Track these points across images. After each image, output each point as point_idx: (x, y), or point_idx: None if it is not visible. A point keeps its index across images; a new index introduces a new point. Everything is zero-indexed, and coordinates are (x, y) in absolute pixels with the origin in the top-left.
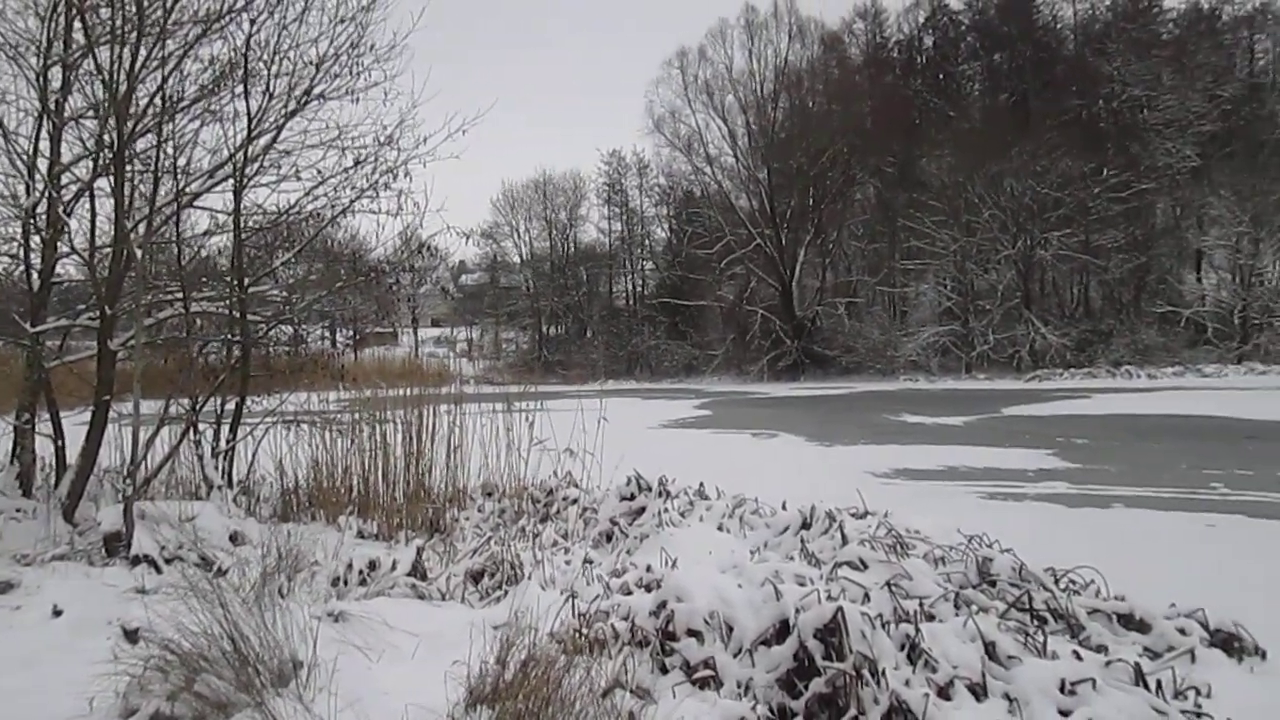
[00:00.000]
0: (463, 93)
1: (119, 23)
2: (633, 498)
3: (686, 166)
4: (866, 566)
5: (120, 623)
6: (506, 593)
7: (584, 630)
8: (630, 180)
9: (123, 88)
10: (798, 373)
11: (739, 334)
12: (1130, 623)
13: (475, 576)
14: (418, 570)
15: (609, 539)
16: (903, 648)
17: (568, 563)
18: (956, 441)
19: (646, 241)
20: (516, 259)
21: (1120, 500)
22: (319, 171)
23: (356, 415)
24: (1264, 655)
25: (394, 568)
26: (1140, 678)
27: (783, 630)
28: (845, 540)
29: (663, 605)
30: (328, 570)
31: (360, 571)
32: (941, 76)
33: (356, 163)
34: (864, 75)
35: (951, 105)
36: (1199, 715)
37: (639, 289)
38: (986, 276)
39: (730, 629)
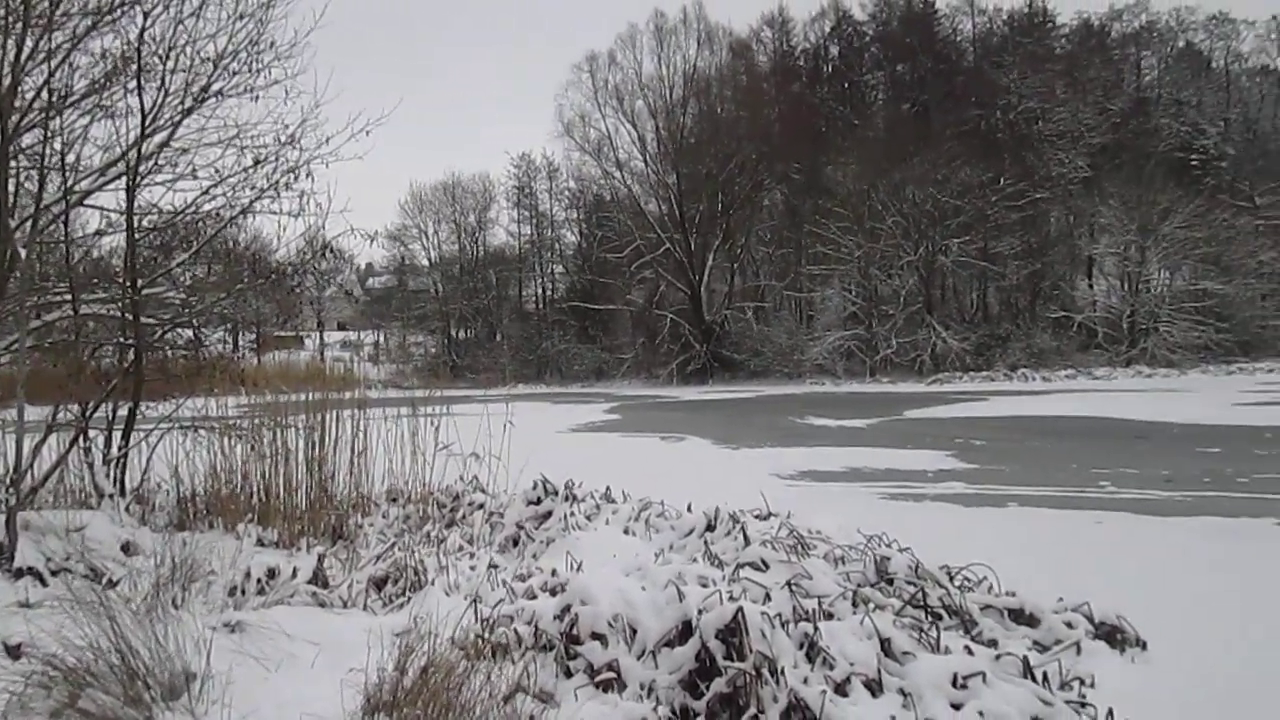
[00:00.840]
0: (369, 93)
1: (2, 13)
2: (539, 502)
3: (596, 171)
4: (768, 567)
5: (1, 639)
6: (410, 599)
7: (487, 635)
8: (540, 184)
9: (6, 81)
10: (706, 376)
11: (648, 338)
12: (1020, 617)
13: (378, 583)
14: (319, 578)
15: (515, 543)
16: (802, 646)
17: (473, 568)
18: (860, 443)
19: (556, 245)
20: (425, 262)
21: (1015, 499)
22: (217, 170)
23: (257, 420)
24: (1144, 646)
25: (294, 575)
26: (1028, 670)
27: (685, 631)
28: (748, 541)
29: (567, 609)
30: (225, 579)
31: (259, 580)
32: (847, 85)
33: (256, 162)
34: (772, 83)
35: (856, 114)
36: (1083, 705)
37: (549, 293)
38: (890, 282)
39: (634, 631)
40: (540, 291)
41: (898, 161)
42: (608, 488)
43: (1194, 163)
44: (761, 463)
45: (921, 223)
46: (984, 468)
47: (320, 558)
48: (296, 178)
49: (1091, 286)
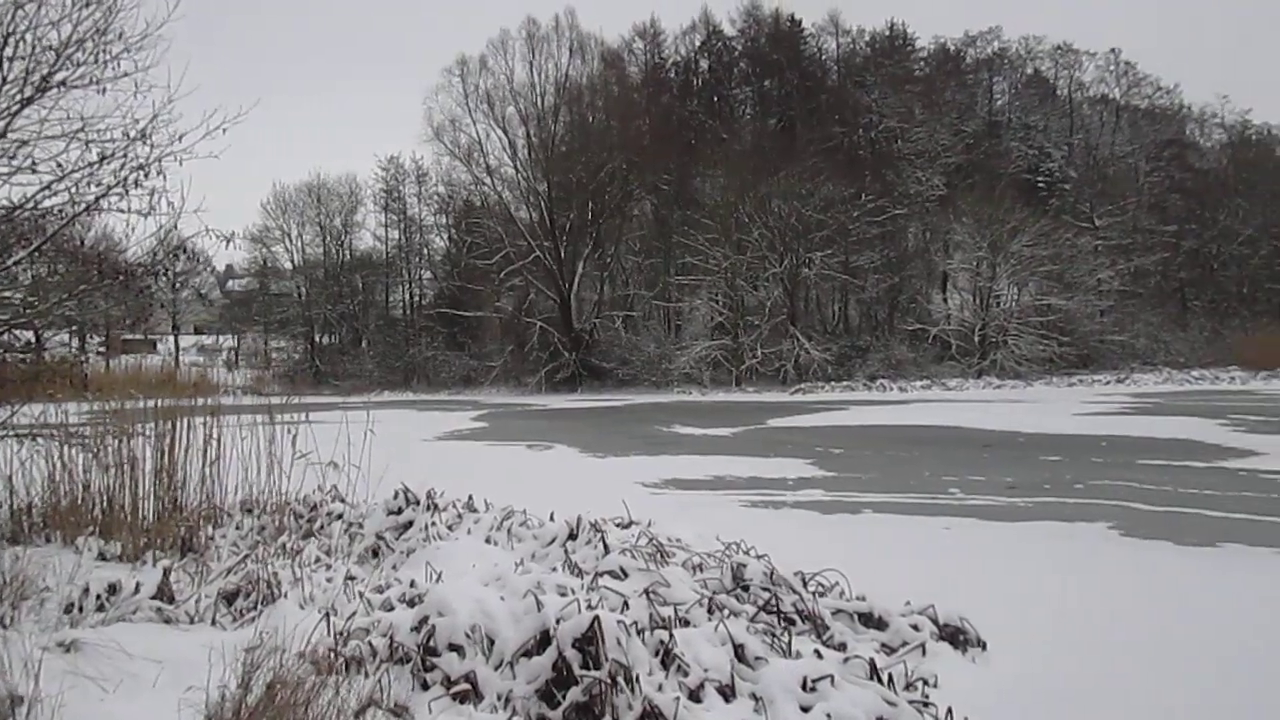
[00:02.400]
0: (228, 90)
1: None
2: (400, 511)
3: (466, 176)
4: (627, 575)
5: None
6: (262, 613)
7: (340, 649)
8: (409, 188)
9: None
10: (575, 384)
11: (517, 345)
12: (870, 621)
13: (229, 597)
14: (165, 593)
15: (375, 554)
16: (657, 653)
17: (329, 580)
18: (724, 452)
19: (425, 250)
20: (288, 265)
21: (870, 506)
22: (60, 165)
23: (102, 428)
24: (984, 646)
25: (138, 591)
26: (874, 672)
27: (543, 641)
28: (607, 550)
29: (425, 620)
30: (61, 596)
31: (98, 596)
32: (716, 99)
33: (103, 158)
34: (643, 94)
35: (725, 127)
36: (925, 704)
37: (416, 299)
38: (756, 293)
39: (492, 642)
40: (408, 297)
41: (764, 175)
42: (470, 497)
43: (1040, 184)
44: (627, 471)
45: (786, 236)
46: (842, 475)
47: (166, 571)
48: (147, 175)
49: (946, 301)
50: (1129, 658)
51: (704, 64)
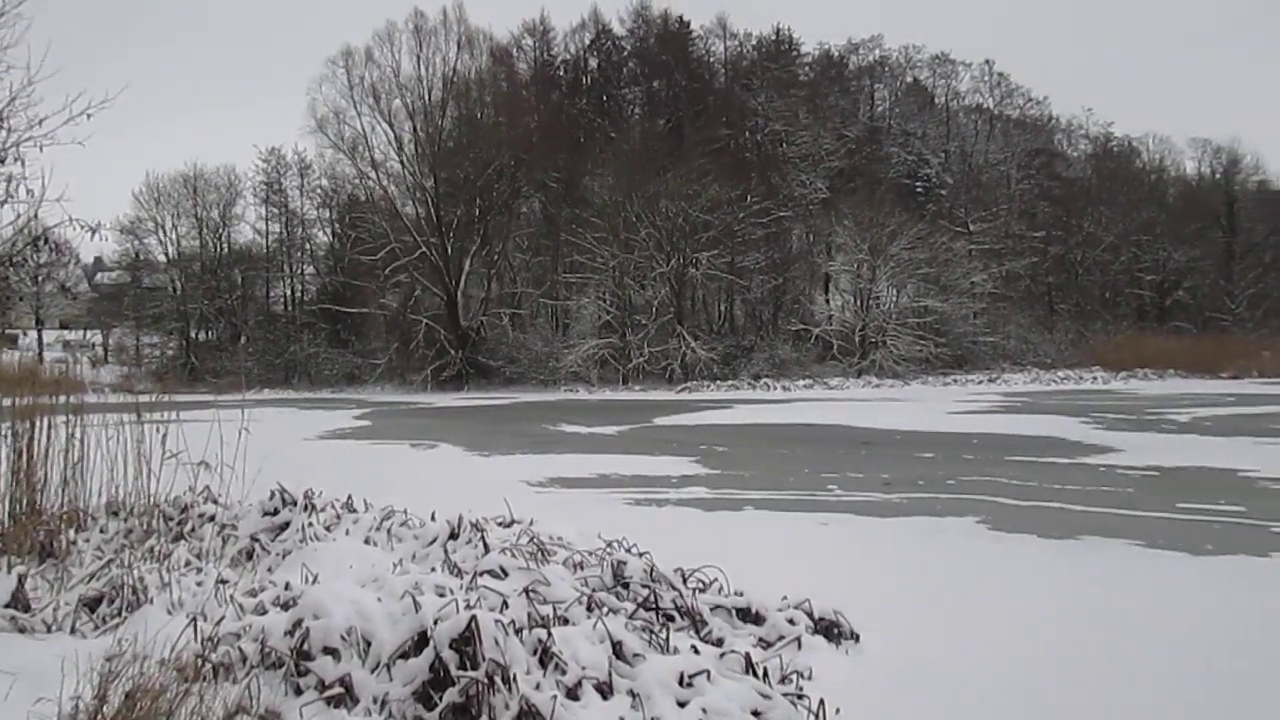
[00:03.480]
0: (101, 75)
1: None
2: (276, 512)
3: (351, 170)
4: (507, 574)
5: None
6: (126, 620)
7: (207, 654)
8: (291, 180)
9: None
10: (462, 383)
11: (403, 343)
12: (748, 616)
13: (91, 604)
14: (20, 601)
15: (250, 556)
16: (536, 652)
17: (199, 584)
18: (610, 450)
19: (307, 245)
20: (162, 257)
21: (751, 503)
22: None
23: None
24: (857, 638)
25: None
26: (750, 667)
27: (421, 642)
28: (488, 549)
29: (299, 623)
30: None
31: None
32: (605, 98)
33: None
34: (532, 91)
35: (613, 126)
36: (800, 696)
37: (298, 294)
38: (643, 292)
39: (369, 644)
40: (289, 293)
41: (652, 175)
42: (349, 497)
43: (918, 190)
44: (512, 470)
45: (674, 236)
46: (725, 473)
47: (21, 578)
48: (3, 160)
49: (828, 301)
50: (996, 646)
51: (593, 63)
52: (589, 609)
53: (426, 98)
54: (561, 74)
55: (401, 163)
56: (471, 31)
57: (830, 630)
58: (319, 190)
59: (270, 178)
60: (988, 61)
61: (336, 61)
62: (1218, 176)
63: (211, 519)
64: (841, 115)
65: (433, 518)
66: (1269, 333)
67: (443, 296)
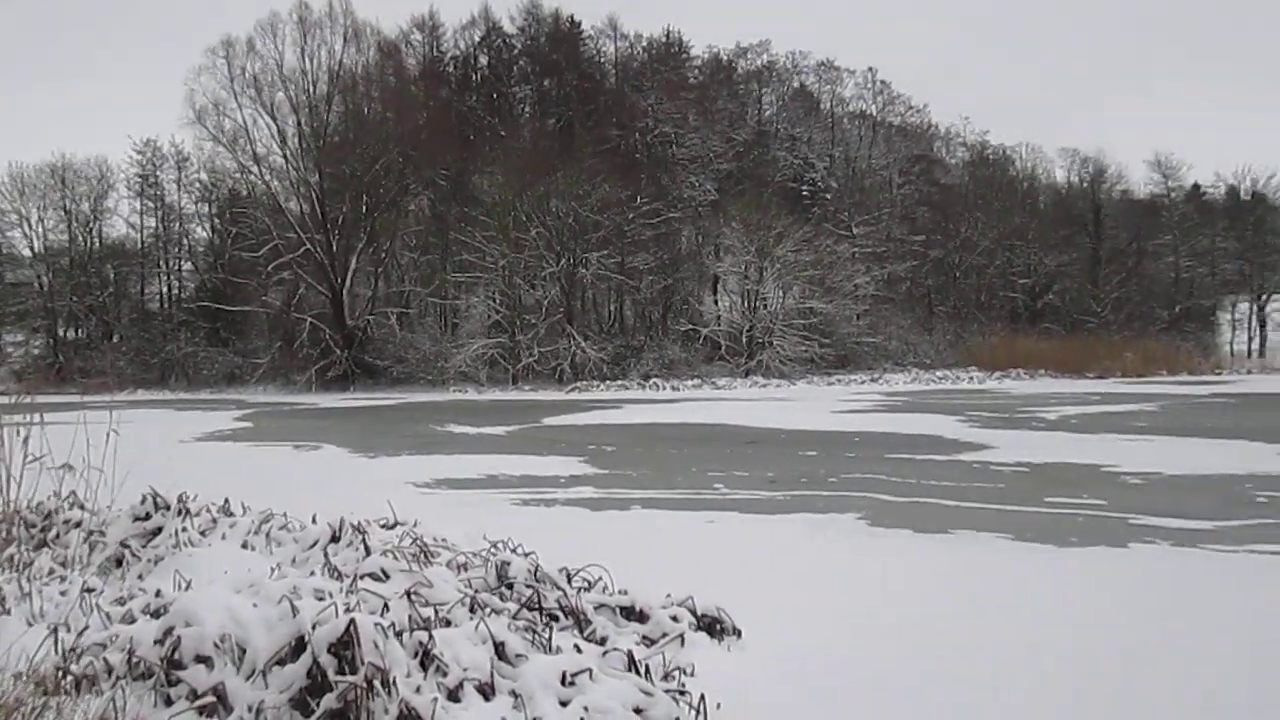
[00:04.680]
0: None
1: None
2: (148, 517)
3: (232, 163)
4: (389, 577)
5: None
6: None
7: (69, 666)
8: (168, 174)
9: None
10: (348, 383)
11: (286, 342)
12: (632, 614)
13: None
14: None
15: (119, 564)
16: (417, 655)
17: (63, 593)
18: (499, 451)
19: (186, 241)
20: (27, 252)
21: (639, 502)
22: None
23: None
24: (740, 634)
25: None
26: (633, 664)
27: (299, 647)
28: (369, 551)
29: (169, 631)
30: None
31: None
32: (495, 96)
33: None
34: (420, 87)
35: (504, 124)
36: (682, 693)
37: (176, 291)
38: (533, 292)
39: (244, 651)
40: (166, 290)
41: (542, 174)
42: (226, 500)
43: (804, 193)
44: (398, 471)
45: (564, 235)
46: (613, 473)
47: None
48: None
49: (716, 302)
50: (874, 639)
51: (483, 60)
52: (472, 610)
53: (311, 91)
54: (451, 70)
55: (285, 157)
56: (359, 24)
57: (713, 627)
58: (198, 184)
59: (146, 170)
60: (871, 69)
61: (216, 51)
62: (1085, 185)
63: (78, 525)
64: (730, 118)
65: (314, 520)
66: (1131, 335)
67: (328, 295)
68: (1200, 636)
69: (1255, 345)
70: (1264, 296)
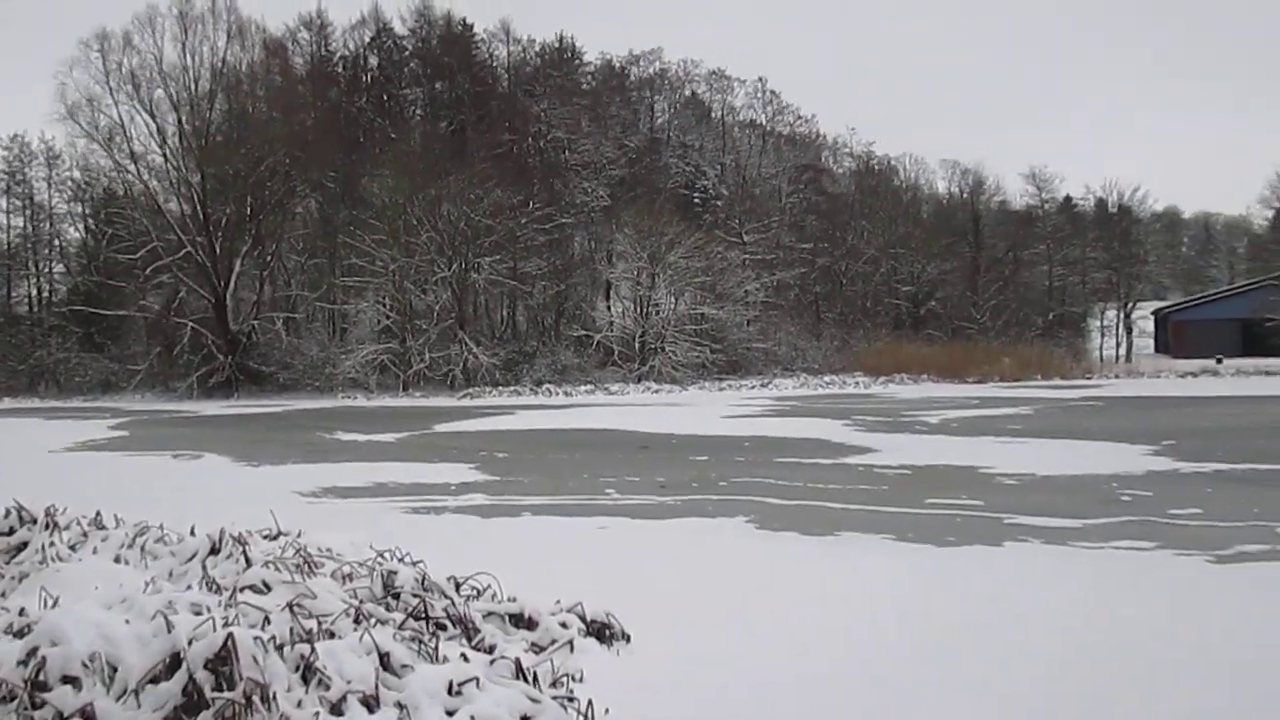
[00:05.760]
0: None
1: None
2: (12, 532)
3: (107, 161)
4: (270, 589)
5: None
6: None
7: None
8: (37, 171)
9: None
10: (231, 390)
11: (166, 348)
12: (521, 621)
13: None
14: None
15: None
16: (298, 669)
17: None
18: (388, 458)
19: (56, 242)
20: None
21: (530, 509)
22: None
23: None
24: (629, 639)
25: None
26: (520, 672)
27: (174, 664)
28: (250, 563)
29: (34, 651)
30: None
31: None
32: (386, 98)
33: None
34: (308, 86)
35: (394, 127)
36: (570, 699)
37: (46, 294)
38: (424, 297)
39: (115, 670)
40: (35, 292)
41: (434, 178)
42: (98, 513)
43: (696, 200)
44: (283, 480)
45: (456, 240)
46: (505, 479)
47: None
48: None
49: (609, 308)
50: (763, 640)
51: (373, 61)
52: (357, 621)
53: (193, 88)
54: (340, 71)
55: (165, 156)
56: (243, 21)
57: (602, 632)
58: (70, 182)
59: (13, 167)
60: (761, 79)
61: (90, 44)
62: (965, 196)
63: None
64: (622, 125)
65: (192, 532)
66: (1008, 341)
67: (210, 299)
68: (1063, 629)
69: (1122, 351)
70: (1130, 304)
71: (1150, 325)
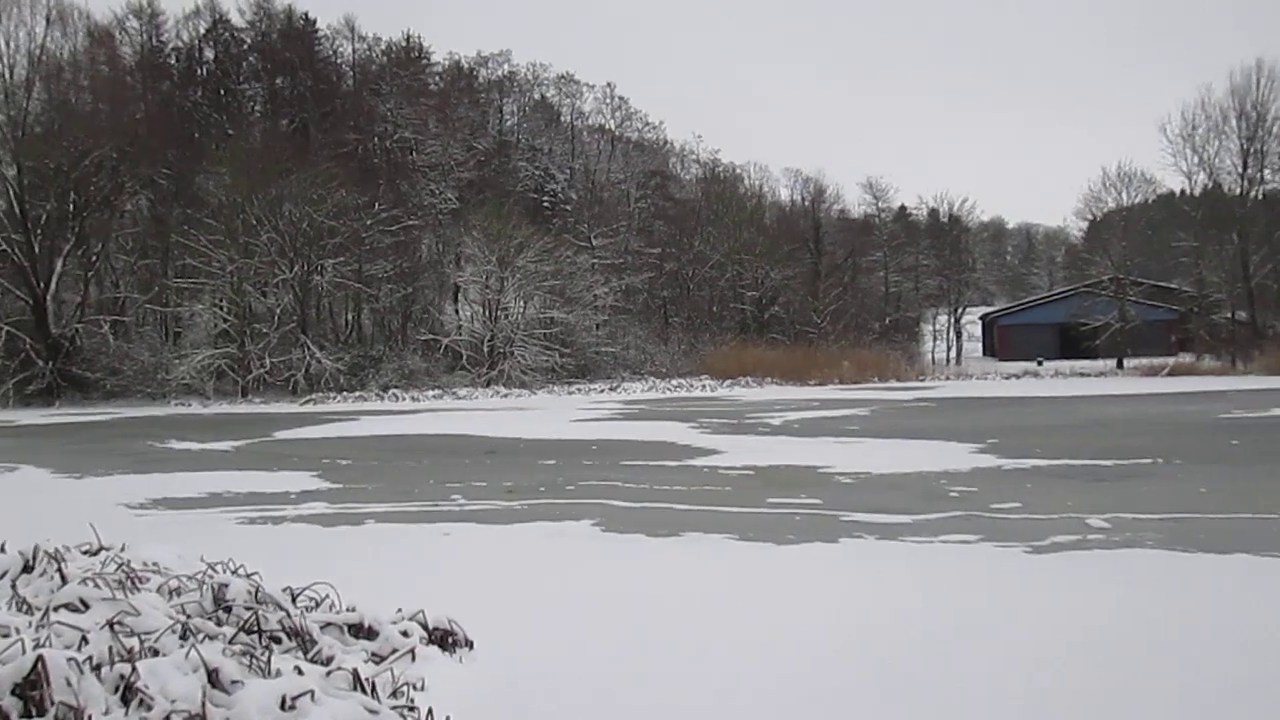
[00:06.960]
0: None
1: None
2: None
3: None
4: (89, 606)
5: None
6: None
7: None
8: None
9: None
10: (53, 397)
11: None
12: (360, 631)
13: None
14: None
15: None
16: (118, 689)
17: None
18: (224, 467)
19: None
20: None
21: (373, 516)
22: None
23: None
24: (471, 646)
25: None
26: (359, 682)
27: None
28: (65, 580)
29: None
30: None
31: None
32: (223, 93)
33: None
34: (138, 78)
35: (233, 123)
36: (410, 709)
37: None
38: (265, 300)
39: None
40: None
41: (275, 177)
42: None
43: (545, 204)
44: (109, 492)
45: (298, 241)
46: (348, 487)
47: None
48: None
49: (458, 312)
50: (607, 642)
51: (209, 54)
52: (184, 637)
53: (8, 76)
54: (173, 63)
55: None
56: (64, 7)
57: (445, 639)
58: None
59: None
60: (609, 84)
61: None
62: (807, 204)
63: None
64: (471, 127)
65: (2, 549)
66: (848, 344)
67: (28, 301)
68: (892, 619)
69: (953, 354)
70: (960, 310)
71: (978, 329)
